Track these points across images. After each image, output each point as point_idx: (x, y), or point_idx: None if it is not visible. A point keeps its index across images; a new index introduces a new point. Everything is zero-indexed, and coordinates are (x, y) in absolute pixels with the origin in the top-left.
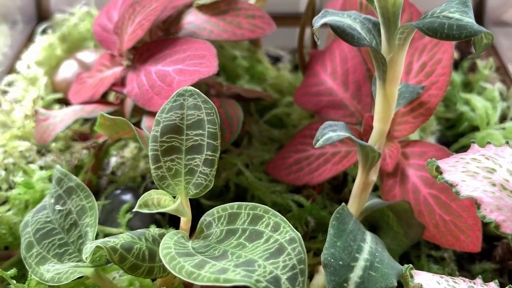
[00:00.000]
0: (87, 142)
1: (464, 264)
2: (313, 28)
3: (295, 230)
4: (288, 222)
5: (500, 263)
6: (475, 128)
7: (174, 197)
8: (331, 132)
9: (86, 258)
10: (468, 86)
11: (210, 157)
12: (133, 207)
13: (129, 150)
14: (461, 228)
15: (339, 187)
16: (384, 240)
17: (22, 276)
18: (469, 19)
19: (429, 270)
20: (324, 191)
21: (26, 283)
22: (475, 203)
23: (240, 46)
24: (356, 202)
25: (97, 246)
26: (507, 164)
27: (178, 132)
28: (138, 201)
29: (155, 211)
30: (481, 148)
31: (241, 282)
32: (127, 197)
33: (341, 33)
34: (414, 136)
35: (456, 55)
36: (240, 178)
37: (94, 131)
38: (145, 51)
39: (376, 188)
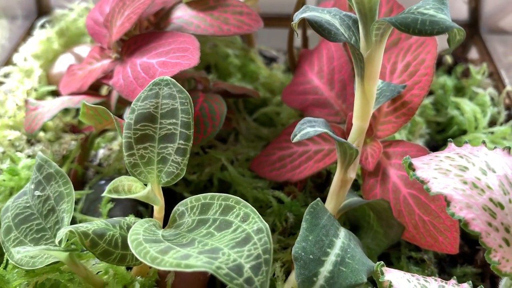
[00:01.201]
0: (77, 134)
1: (445, 267)
2: (292, 23)
3: (263, 221)
4: (257, 213)
5: (482, 268)
6: (464, 132)
7: (146, 185)
8: (309, 128)
9: (58, 242)
10: (461, 91)
11: (183, 146)
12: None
13: (117, 143)
14: (439, 229)
15: (322, 186)
16: (365, 239)
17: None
18: (442, 16)
19: (408, 272)
20: (307, 189)
21: (2, 265)
22: (445, 200)
23: (234, 45)
24: (334, 199)
25: (71, 232)
26: (480, 163)
27: (152, 120)
28: (108, 186)
29: (124, 197)
30: (457, 148)
31: (201, 268)
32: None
33: (318, 28)
34: (402, 138)
35: (450, 60)
36: (224, 173)
37: (82, 123)
38: (132, 44)
39: (358, 188)
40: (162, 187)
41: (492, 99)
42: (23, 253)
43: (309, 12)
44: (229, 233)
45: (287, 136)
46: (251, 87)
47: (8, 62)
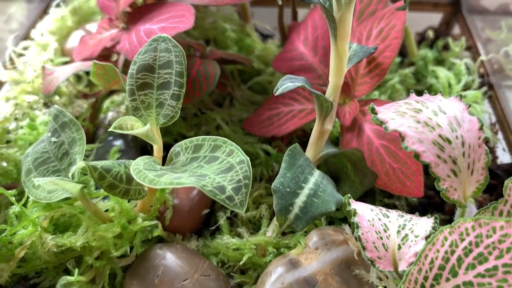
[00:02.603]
0: (88, 99)
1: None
2: None
3: (245, 155)
4: (241, 150)
5: (450, 215)
6: None
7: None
8: (290, 83)
9: (72, 176)
10: (441, 63)
11: (177, 92)
12: (122, 150)
13: (124, 107)
14: (406, 175)
15: (306, 142)
16: (343, 188)
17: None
18: None
19: None
20: (292, 144)
21: (23, 199)
22: (400, 136)
23: (231, 21)
24: (313, 148)
25: (82, 171)
26: (433, 106)
27: (151, 70)
28: (114, 123)
29: (127, 132)
30: (418, 97)
31: (190, 184)
32: (118, 142)
33: None
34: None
35: (432, 35)
36: (218, 131)
37: (93, 89)
38: (136, 14)
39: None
40: (164, 148)
41: (467, 68)
42: (42, 182)
43: None
44: (216, 164)
45: (275, 99)
46: None
47: (26, 37)
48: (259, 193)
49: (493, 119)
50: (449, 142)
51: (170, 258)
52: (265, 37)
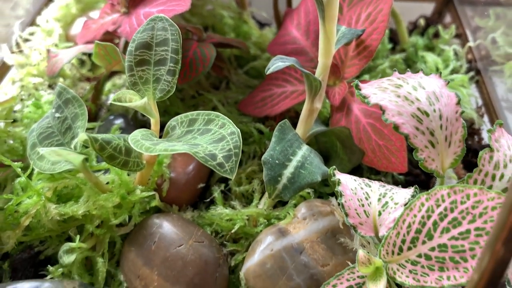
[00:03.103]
0: (91, 82)
1: None
2: None
3: (236, 127)
4: (232, 123)
5: None
6: None
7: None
8: (280, 62)
9: (74, 147)
10: (431, 49)
11: (173, 68)
12: (122, 128)
13: (125, 89)
14: (391, 151)
15: (298, 122)
16: (332, 165)
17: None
18: None
19: None
20: None
21: (28, 172)
22: (381, 109)
23: (229, 8)
24: (303, 125)
25: (84, 144)
26: (414, 82)
27: (149, 48)
28: (114, 96)
29: (125, 105)
30: (400, 75)
31: (183, 150)
32: (119, 121)
33: None
34: None
35: (423, 23)
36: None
37: (95, 70)
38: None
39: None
40: (162, 127)
41: (456, 54)
42: (46, 152)
43: None
44: (209, 135)
45: (269, 81)
46: None
47: (32, 23)
48: (252, 169)
49: (480, 102)
50: (427, 115)
51: (166, 226)
52: (262, 25)
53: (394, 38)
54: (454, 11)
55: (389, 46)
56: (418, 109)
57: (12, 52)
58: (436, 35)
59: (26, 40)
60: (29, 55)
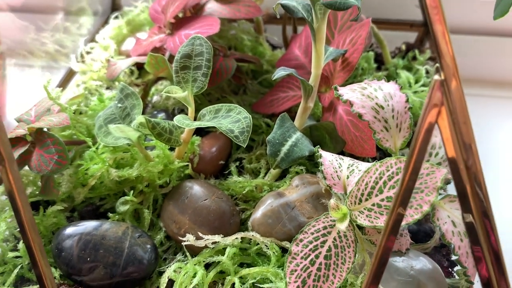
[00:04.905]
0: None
1: None
2: (273, 6)
3: (248, 114)
4: (246, 111)
5: None
6: None
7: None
8: (283, 71)
9: (133, 125)
10: (409, 69)
11: (206, 72)
12: (164, 119)
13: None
14: (365, 140)
15: None
16: None
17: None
18: (353, 1)
19: None
20: None
21: (96, 144)
22: (350, 104)
23: (248, 33)
24: (299, 120)
25: (140, 122)
26: (375, 86)
27: (189, 57)
28: (165, 89)
29: (173, 95)
30: (367, 81)
31: (211, 124)
32: (161, 114)
33: (285, 8)
34: None
35: (404, 48)
36: None
37: (143, 77)
38: (179, 24)
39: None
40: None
41: (427, 72)
42: (112, 128)
43: (284, 1)
44: (229, 119)
45: (277, 88)
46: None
47: (92, 40)
48: (260, 152)
49: None
50: (383, 108)
51: (195, 187)
52: (274, 47)
53: (379, 59)
54: (432, 39)
55: (375, 65)
56: (376, 103)
57: (77, 62)
58: (414, 58)
59: (88, 53)
60: (91, 64)
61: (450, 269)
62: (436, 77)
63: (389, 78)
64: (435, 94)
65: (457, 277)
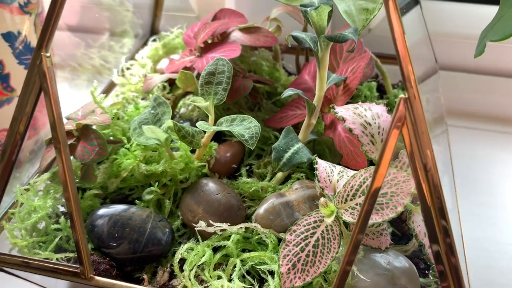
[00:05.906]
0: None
1: None
2: (286, 37)
3: (257, 122)
4: (256, 120)
5: None
6: None
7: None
8: (290, 91)
9: (163, 127)
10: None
11: (225, 87)
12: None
13: (191, 106)
14: (358, 154)
15: None
16: None
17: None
18: (350, 35)
19: None
20: None
21: (130, 143)
22: (342, 119)
23: (267, 60)
24: (302, 134)
25: (168, 126)
26: (366, 107)
27: (213, 74)
28: (191, 99)
29: (197, 104)
30: (360, 103)
31: (226, 129)
32: (186, 123)
33: (295, 39)
34: None
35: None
36: None
37: (174, 91)
38: (207, 48)
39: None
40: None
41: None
42: (145, 128)
43: (295, 34)
44: (242, 126)
45: (287, 107)
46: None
47: (132, 58)
48: (267, 160)
49: None
50: (370, 124)
51: (210, 183)
52: (289, 74)
53: (382, 89)
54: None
55: (377, 94)
56: (365, 121)
57: (118, 75)
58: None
59: (128, 69)
60: (129, 78)
61: (426, 271)
62: (401, 95)
63: (388, 105)
64: (401, 109)
65: (431, 277)
